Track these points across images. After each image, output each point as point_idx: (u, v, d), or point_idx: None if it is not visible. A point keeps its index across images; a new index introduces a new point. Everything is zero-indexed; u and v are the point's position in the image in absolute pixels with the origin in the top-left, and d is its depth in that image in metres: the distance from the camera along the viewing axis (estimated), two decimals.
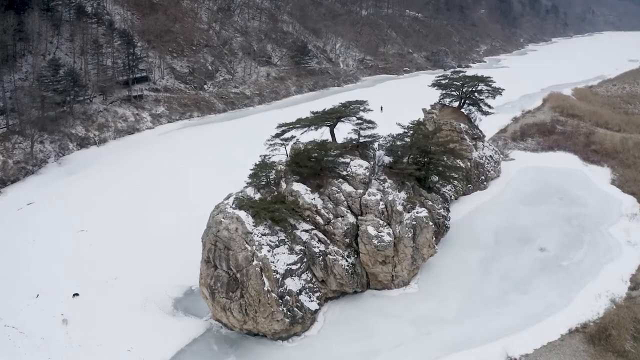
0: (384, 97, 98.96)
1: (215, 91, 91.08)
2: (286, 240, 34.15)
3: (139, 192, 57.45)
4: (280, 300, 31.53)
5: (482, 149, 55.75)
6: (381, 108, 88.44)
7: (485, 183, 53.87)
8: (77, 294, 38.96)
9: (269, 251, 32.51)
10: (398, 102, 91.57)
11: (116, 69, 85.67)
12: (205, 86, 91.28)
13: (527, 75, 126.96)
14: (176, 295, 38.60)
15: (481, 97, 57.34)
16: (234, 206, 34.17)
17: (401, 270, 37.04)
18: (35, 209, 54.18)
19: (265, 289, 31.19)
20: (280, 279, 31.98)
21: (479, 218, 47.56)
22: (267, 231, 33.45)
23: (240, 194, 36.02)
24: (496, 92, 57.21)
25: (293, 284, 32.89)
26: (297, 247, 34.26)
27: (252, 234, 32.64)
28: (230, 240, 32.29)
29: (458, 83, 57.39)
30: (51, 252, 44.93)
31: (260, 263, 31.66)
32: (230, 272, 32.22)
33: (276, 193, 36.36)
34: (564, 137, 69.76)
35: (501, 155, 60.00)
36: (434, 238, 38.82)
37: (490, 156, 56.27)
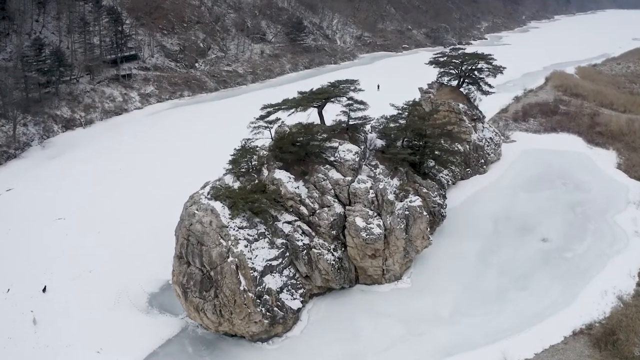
0: (381, 75, 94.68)
1: (207, 69, 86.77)
2: (266, 233, 30.78)
3: (122, 176, 54.07)
4: (258, 300, 28.32)
5: (482, 131, 51.91)
6: (378, 86, 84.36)
7: (484, 167, 50.21)
8: (45, 289, 35.96)
9: (246, 246, 29.16)
10: (396, 80, 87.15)
11: (104, 48, 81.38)
12: (196, 64, 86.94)
13: (529, 53, 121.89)
14: (152, 290, 35.49)
15: (481, 76, 53.20)
16: (209, 197, 30.72)
17: (392, 264, 33.76)
18: (13, 195, 50.92)
19: (242, 288, 27.93)
20: (258, 277, 28.70)
21: (478, 205, 44.01)
22: (245, 224, 30.05)
23: (217, 183, 32.55)
24: (497, 70, 53.05)
25: (273, 282, 29.63)
26: (279, 241, 30.91)
27: (227, 227, 29.24)
28: (204, 234, 28.92)
29: (457, 61, 53.17)
30: (26, 242, 41.83)
31: (236, 260, 28.34)
32: (204, 270, 28.96)
33: (257, 181, 32.85)
34: (568, 117, 65.73)
35: (502, 137, 56.14)
36: (429, 229, 35.42)
37: (491, 138, 52.45)
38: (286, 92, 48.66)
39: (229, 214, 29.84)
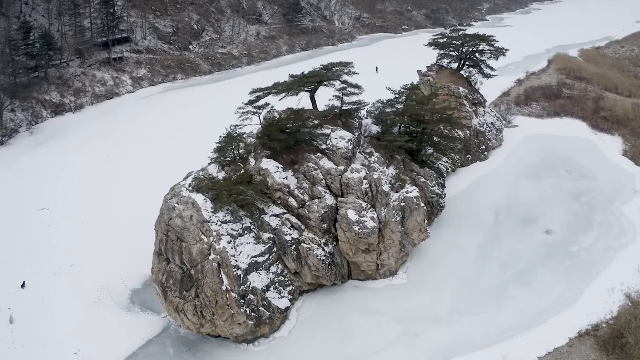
0: (380, 57, 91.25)
1: (201, 52, 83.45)
2: (252, 227, 28.36)
3: (111, 164, 51.57)
4: (242, 301, 26.04)
5: (483, 116, 49.10)
6: (376, 69, 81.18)
7: (486, 153, 47.53)
8: (24, 285, 33.81)
9: (229, 242, 26.77)
10: (395, 62, 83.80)
11: (95, 31, 77.98)
12: (190, 47, 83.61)
13: (531, 35, 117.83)
14: (134, 286, 33.35)
15: (483, 58, 50.18)
16: (190, 189, 28.23)
17: (388, 259, 31.43)
18: None
19: (224, 288, 25.63)
20: (242, 276, 26.35)
21: (478, 194, 41.47)
22: (228, 218, 27.61)
23: (201, 173, 30.01)
24: (499, 52, 49.98)
25: (259, 280, 27.31)
26: (266, 236, 28.50)
27: (209, 222, 26.81)
28: (184, 230, 26.52)
29: (458, 42, 50.09)
30: (7, 234, 39.59)
31: (218, 257, 25.98)
32: (184, 268, 26.64)
33: (243, 171, 30.31)
34: (572, 102, 62.70)
35: (504, 122, 53.31)
36: (426, 221, 32.97)
37: (492, 123, 49.67)
38: (282, 74, 45.76)
39: (212, 208, 27.40)
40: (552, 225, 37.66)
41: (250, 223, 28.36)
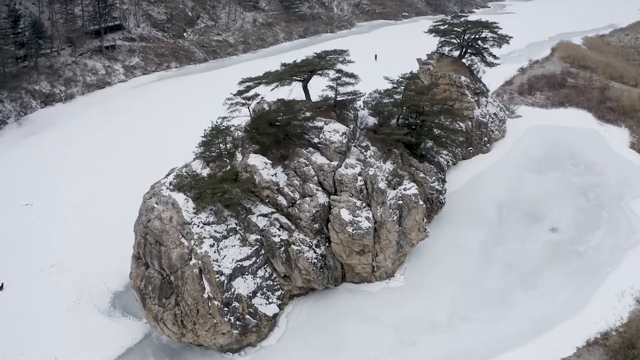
0: (380, 44, 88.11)
1: (196, 39, 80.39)
2: (238, 228, 26.09)
3: (98, 156, 49.28)
4: (225, 309, 23.86)
5: (486, 106, 46.44)
6: (375, 56, 78.30)
7: (488, 145, 44.98)
8: (2, 286, 31.79)
9: (212, 245, 24.50)
10: (395, 50, 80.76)
11: (86, 18, 74.96)
12: (184, 34, 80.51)
13: (533, 22, 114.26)
14: (116, 288, 31.24)
15: (485, 46, 47.26)
16: (171, 187, 25.89)
17: (384, 260, 29.19)
18: None
19: (205, 295, 23.43)
20: (225, 282, 24.13)
21: (480, 189, 39.01)
22: (211, 219, 25.32)
23: (184, 170, 27.64)
24: (503, 40, 47.05)
25: (244, 286, 25.09)
26: (252, 237, 26.24)
27: (190, 224, 24.52)
28: (163, 233, 24.25)
29: (459, 29, 47.12)
30: None
31: (200, 262, 23.74)
32: (163, 273, 24.43)
33: (229, 167, 27.92)
34: (576, 91, 59.86)
35: (506, 112, 50.66)
36: (425, 219, 30.64)
37: (495, 114, 47.02)
38: (279, 62, 43.14)
39: (194, 208, 25.10)
40: (558, 223, 35.33)
41: (236, 224, 26.09)
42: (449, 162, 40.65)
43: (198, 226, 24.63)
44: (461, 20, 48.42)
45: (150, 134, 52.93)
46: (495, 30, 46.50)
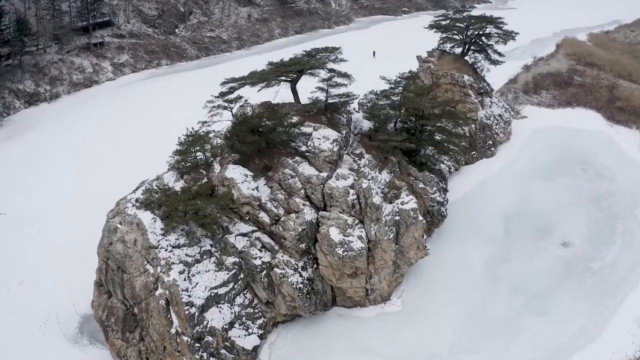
0: (379, 40, 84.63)
1: (188, 35, 76.87)
2: (213, 250, 22.89)
3: (79, 160, 46.07)
4: (196, 345, 20.71)
5: (490, 107, 43.06)
6: (374, 53, 74.96)
7: (492, 149, 41.65)
8: None
9: (182, 272, 21.32)
10: (394, 46, 77.25)
11: (74, 14, 71.48)
12: (176, 30, 77.02)
13: (537, 18, 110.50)
14: (85, 311, 27.99)
15: (490, 43, 43.86)
16: (138, 204, 22.66)
17: (378, 282, 26.00)
18: None
19: (173, 330, 20.30)
20: (197, 314, 20.96)
21: (485, 198, 35.68)
22: (182, 240, 22.11)
23: (155, 183, 24.41)
24: (508, 36, 43.61)
25: (219, 317, 21.91)
26: (230, 260, 23.04)
27: (157, 248, 21.32)
28: (126, 258, 21.06)
29: (462, 25, 43.71)
30: None
31: (167, 293, 20.57)
32: (127, 304, 21.27)
33: (205, 180, 24.70)
34: (584, 90, 56.44)
35: (512, 113, 47.28)
36: (425, 236, 27.41)
37: (500, 115, 43.66)
38: (274, 59, 40.13)
39: (162, 229, 21.88)
40: (570, 236, 32.11)
41: (211, 245, 22.88)
42: (450, 169, 37.35)
43: (166, 250, 21.44)
44: (464, 15, 45.07)
45: (136, 137, 49.65)
46: (500, 25, 43.06)
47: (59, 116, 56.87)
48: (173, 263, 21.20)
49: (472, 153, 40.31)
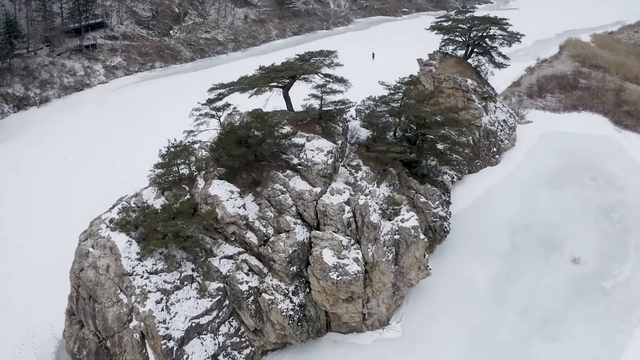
0: (378, 42, 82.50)
1: (183, 37, 74.79)
2: (195, 275, 20.84)
3: (66, 169, 43.97)
4: None
5: (494, 112, 40.95)
6: (373, 55, 72.92)
7: (497, 156, 39.58)
8: None
9: (159, 301, 19.27)
10: (394, 48, 75.15)
11: (66, 15, 69.39)
12: (171, 32, 74.95)
13: (539, 18, 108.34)
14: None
15: (494, 45, 41.80)
16: (112, 225, 20.60)
17: (376, 306, 23.95)
18: None
19: None
20: (176, 348, 18.92)
21: (489, 210, 33.60)
22: (160, 266, 20.06)
23: (133, 200, 22.36)
24: (513, 38, 41.56)
25: (201, 350, 19.87)
26: (213, 286, 20.99)
27: (131, 275, 19.27)
28: (97, 286, 19.03)
29: (464, 26, 41.66)
30: None
31: (142, 325, 18.52)
32: (99, 336, 19.22)
33: (187, 197, 22.65)
34: (589, 93, 54.34)
35: (516, 118, 45.17)
36: (426, 255, 25.34)
37: (504, 120, 41.54)
38: (270, 61, 38.08)
39: (138, 253, 19.83)
40: (580, 251, 30.05)
41: (193, 269, 20.84)
42: (453, 178, 35.27)
43: (142, 277, 19.39)
44: (467, 16, 42.94)
45: (126, 144, 47.51)
46: (505, 27, 40.99)
47: (47, 121, 54.80)
48: (149, 291, 19.17)
49: (476, 161, 38.21)
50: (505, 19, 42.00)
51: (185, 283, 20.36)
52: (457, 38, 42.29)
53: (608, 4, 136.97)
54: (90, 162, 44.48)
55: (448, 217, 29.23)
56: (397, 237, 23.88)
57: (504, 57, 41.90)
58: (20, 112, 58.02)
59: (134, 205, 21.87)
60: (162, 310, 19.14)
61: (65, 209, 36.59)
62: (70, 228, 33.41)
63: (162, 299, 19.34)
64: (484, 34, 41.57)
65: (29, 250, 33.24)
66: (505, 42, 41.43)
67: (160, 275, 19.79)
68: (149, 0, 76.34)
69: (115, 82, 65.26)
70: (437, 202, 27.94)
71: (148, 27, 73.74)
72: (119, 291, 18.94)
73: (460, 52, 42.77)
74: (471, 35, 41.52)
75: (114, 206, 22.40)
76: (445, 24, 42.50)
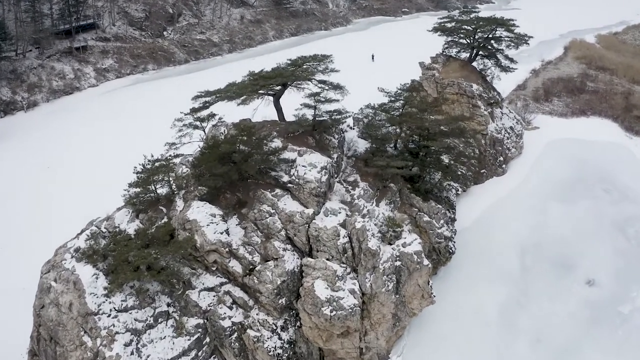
0: (378, 43, 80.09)
1: (177, 38, 72.41)
2: (171, 311, 18.48)
3: (49, 179, 41.61)
4: None
5: (501, 119, 38.45)
6: (372, 56, 70.59)
7: (504, 166, 37.13)
8: None
9: (129, 344, 16.93)
10: (395, 50, 72.78)
11: (56, 16, 67.04)
12: (164, 33, 72.56)
13: (541, 18, 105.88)
14: None
15: (500, 47, 39.35)
16: (78, 255, 18.25)
17: (375, 339, 21.59)
18: None
19: None
20: None
21: (497, 225, 31.11)
22: (131, 302, 17.71)
23: (103, 224, 19.99)
24: (520, 40, 39.06)
25: None
26: (192, 322, 18.64)
27: (97, 314, 16.92)
28: (59, 326, 16.70)
29: (469, 27, 39.22)
30: None
31: None
32: None
33: (165, 220, 20.28)
34: (597, 97, 51.93)
35: (523, 124, 42.74)
36: (430, 282, 22.98)
37: (511, 127, 39.05)
38: (267, 63, 35.74)
39: (105, 288, 17.48)
40: (595, 272, 27.70)
41: (168, 304, 18.49)
42: (457, 191, 32.87)
43: (109, 315, 17.06)
44: (471, 16, 40.48)
45: (113, 152, 45.14)
46: (512, 28, 38.56)
47: (34, 127, 52.48)
48: (117, 333, 16.84)
49: (482, 171, 35.80)
50: (512, 20, 39.57)
51: (160, 320, 18.03)
52: (461, 40, 39.85)
53: (610, 4, 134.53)
54: (75, 172, 42.14)
55: (453, 236, 26.84)
56: (398, 263, 21.52)
57: (511, 60, 39.46)
58: (7, 117, 55.74)
59: (104, 230, 19.53)
60: (132, 353, 16.81)
61: (41, 226, 34.18)
62: (45, 248, 31.20)
63: (132, 340, 17.01)
64: (490, 35, 39.14)
65: (3, 273, 30.85)
66: (512, 44, 38.97)
67: (130, 313, 17.45)
68: (142, 0, 73.93)
69: (106, 85, 62.86)
70: (441, 221, 25.55)
71: (141, 28, 71.34)
72: (82, 333, 16.62)
73: (465, 55, 40.31)
74: (476, 37, 39.07)
75: (82, 231, 20.04)
76: (449, 25, 40.04)
